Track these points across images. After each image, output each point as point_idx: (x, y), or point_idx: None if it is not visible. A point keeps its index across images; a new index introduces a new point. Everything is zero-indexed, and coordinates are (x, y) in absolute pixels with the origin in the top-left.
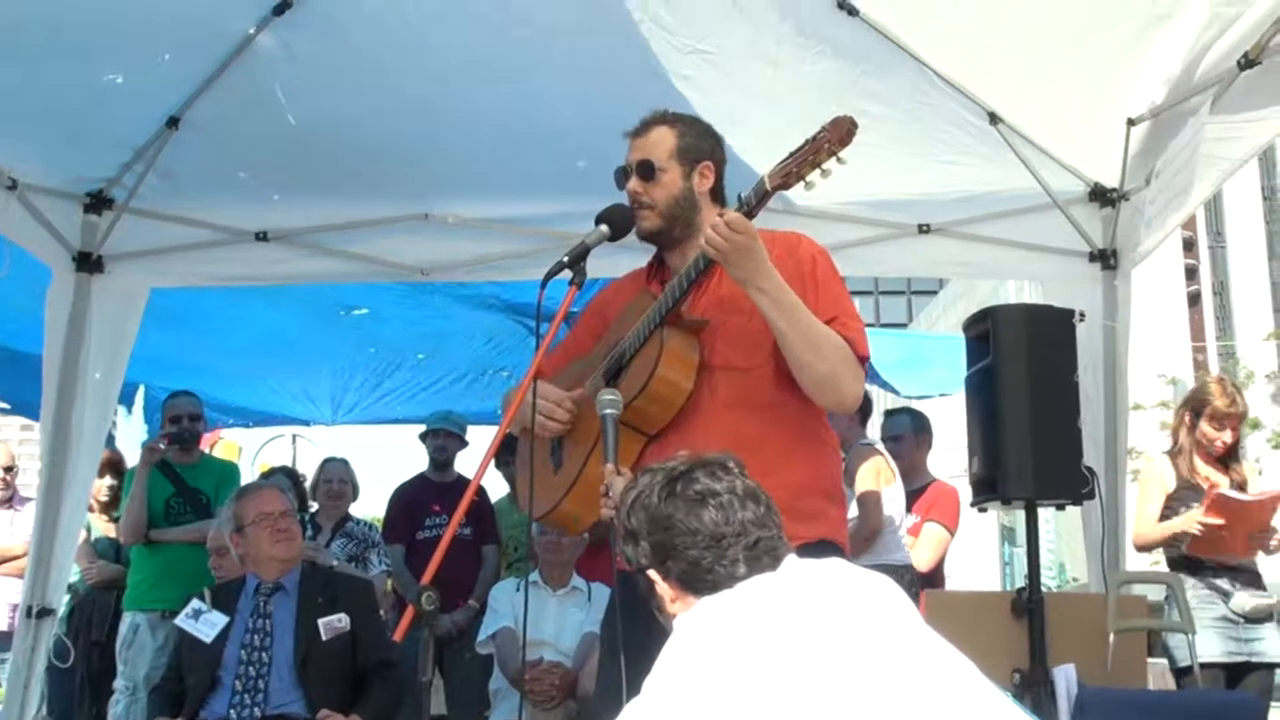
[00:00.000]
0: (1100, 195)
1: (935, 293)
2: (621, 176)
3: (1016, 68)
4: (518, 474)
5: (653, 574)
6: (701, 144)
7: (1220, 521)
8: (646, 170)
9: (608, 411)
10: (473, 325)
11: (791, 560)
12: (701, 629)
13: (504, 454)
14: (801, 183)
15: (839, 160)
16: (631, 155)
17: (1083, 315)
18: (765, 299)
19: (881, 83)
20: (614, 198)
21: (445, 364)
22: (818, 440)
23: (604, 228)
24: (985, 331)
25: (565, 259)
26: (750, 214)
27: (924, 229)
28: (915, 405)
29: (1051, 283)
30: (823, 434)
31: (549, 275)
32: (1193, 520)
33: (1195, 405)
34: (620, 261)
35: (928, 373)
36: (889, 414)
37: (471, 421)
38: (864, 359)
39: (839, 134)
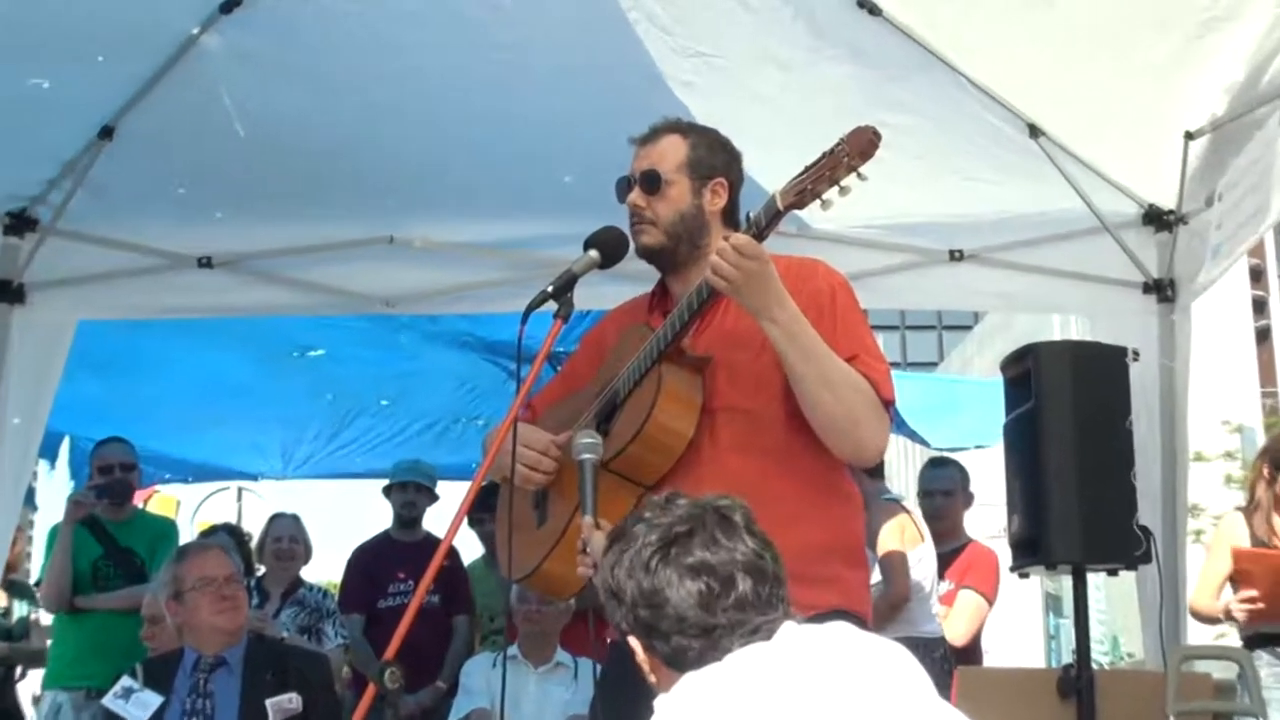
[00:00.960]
0: (1155, 218)
1: (969, 328)
2: (623, 187)
3: (1060, 74)
4: (497, 531)
5: (633, 642)
6: (715, 158)
7: (1254, 593)
8: (651, 181)
9: (585, 457)
10: (443, 366)
11: (788, 629)
12: (683, 714)
13: (479, 510)
14: (817, 201)
15: (859, 176)
16: (636, 164)
17: (1136, 354)
18: (779, 331)
19: (907, 90)
20: (606, 218)
21: (412, 411)
22: (835, 493)
23: (594, 253)
24: (1026, 372)
25: (549, 289)
26: (760, 236)
27: (956, 256)
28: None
29: (1101, 317)
30: (841, 486)
31: (530, 308)
32: (1234, 604)
33: (1276, 455)
34: (613, 292)
35: (960, 420)
36: (933, 465)
37: (442, 476)
38: (888, 403)
39: (859, 146)
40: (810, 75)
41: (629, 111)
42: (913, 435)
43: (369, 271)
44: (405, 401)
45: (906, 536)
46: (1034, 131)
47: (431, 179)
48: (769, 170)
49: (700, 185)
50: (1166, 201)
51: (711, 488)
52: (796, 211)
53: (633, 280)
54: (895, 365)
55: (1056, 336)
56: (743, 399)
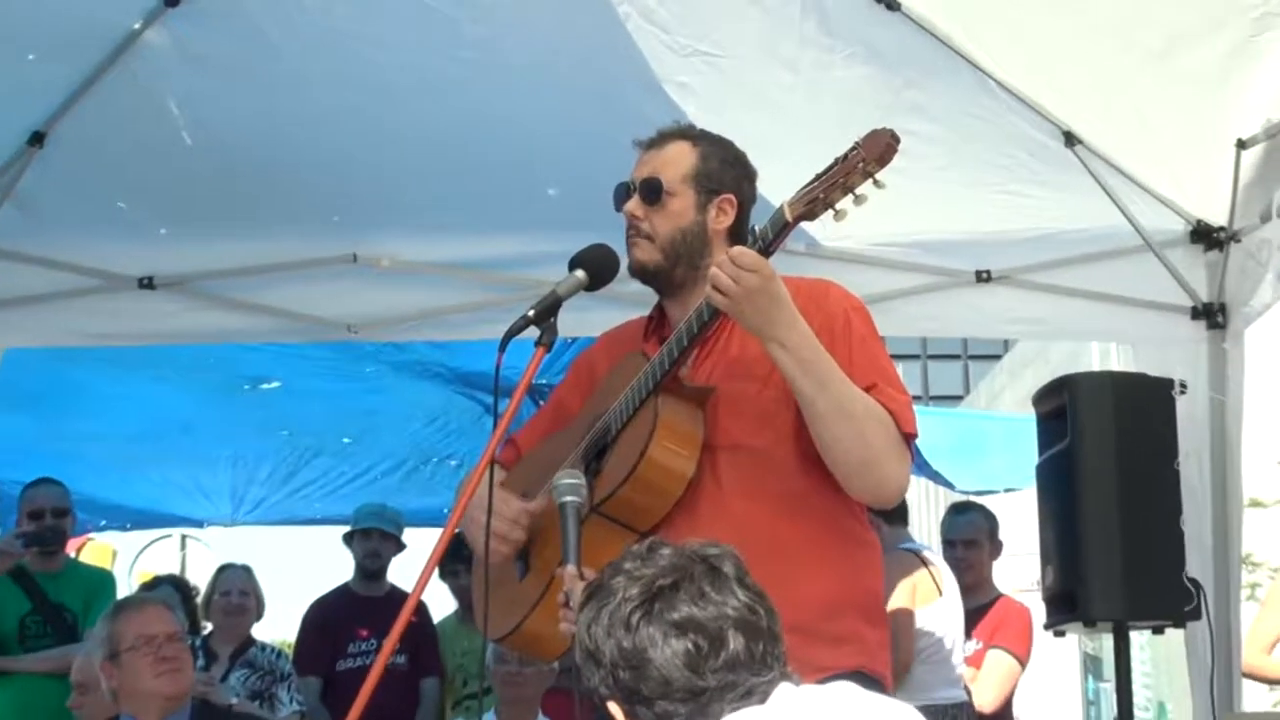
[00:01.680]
0: (1204, 235)
1: (998, 358)
2: (621, 194)
3: (1099, 77)
4: (473, 584)
5: (613, 707)
6: (726, 173)
7: None
8: (651, 191)
9: (567, 500)
10: (412, 400)
11: (785, 690)
12: None
13: (452, 561)
14: (830, 212)
15: (876, 184)
16: (638, 170)
17: (1184, 386)
18: (788, 357)
19: (929, 94)
20: (594, 235)
21: (377, 450)
22: (851, 540)
23: (580, 273)
24: (1061, 407)
25: (531, 313)
26: (767, 251)
27: (983, 277)
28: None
29: (1144, 345)
30: (858, 533)
31: (509, 334)
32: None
33: None
34: (602, 317)
35: (988, 461)
36: (956, 510)
37: (411, 522)
38: (910, 437)
39: (876, 150)
40: (821, 77)
41: (618, 117)
42: (935, 477)
43: (330, 294)
44: (370, 439)
45: (919, 594)
46: (1070, 139)
47: (400, 191)
48: (773, 183)
49: (706, 200)
50: (1217, 217)
51: (714, 534)
52: (806, 227)
53: (625, 303)
54: (916, 399)
55: (1095, 367)
56: (749, 435)
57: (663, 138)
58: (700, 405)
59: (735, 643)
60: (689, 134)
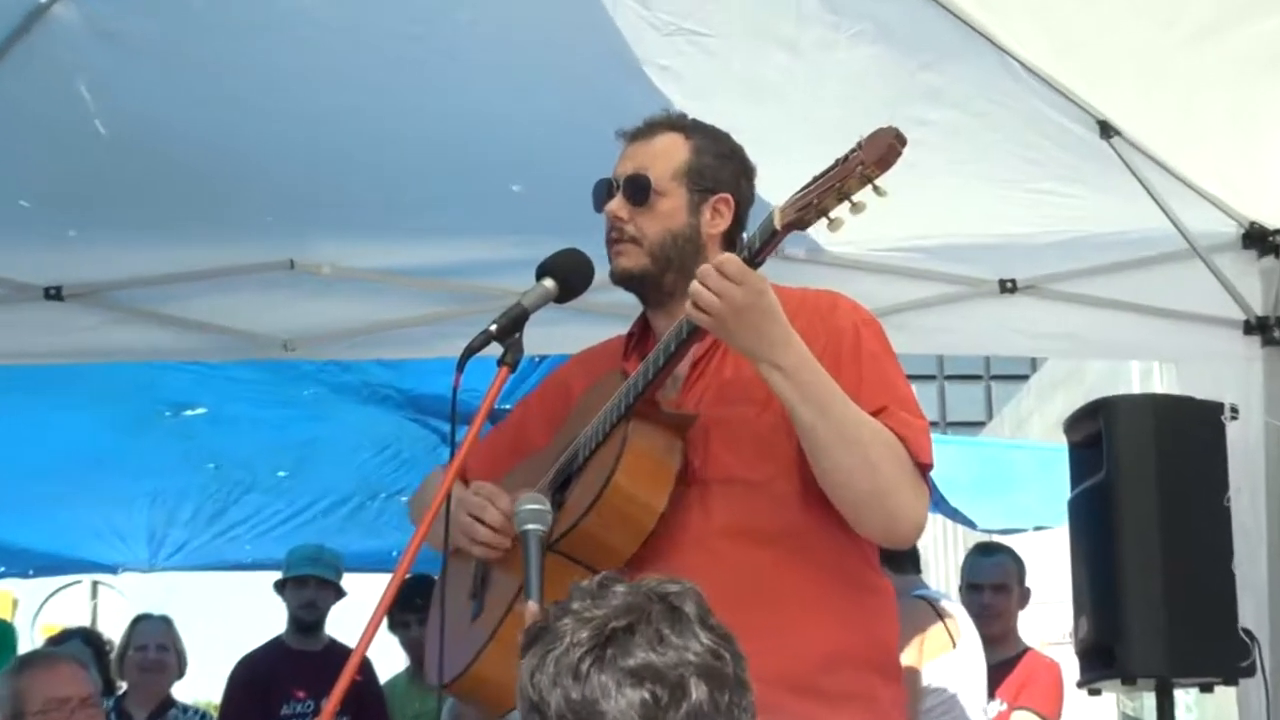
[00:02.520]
0: (1258, 239)
1: (1024, 378)
2: (603, 192)
3: (1138, 58)
4: (428, 626)
5: None
6: (723, 170)
7: None
8: (638, 189)
9: (530, 527)
10: (358, 428)
11: None
12: None
13: (402, 610)
14: (823, 219)
15: (876, 190)
16: (622, 165)
17: (1235, 411)
18: (784, 381)
19: (946, 78)
20: (564, 238)
21: (317, 485)
22: (861, 586)
23: (548, 282)
24: (1096, 434)
25: (493, 328)
26: (754, 261)
27: (1008, 286)
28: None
29: (1190, 364)
30: (868, 578)
31: (469, 352)
32: None
33: None
34: (573, 333)
35: (1014, 497)
36: (981, 552)
37: (354, 567)
38: (926, 468)
39: (877, 153)
40: (823, 59)
41: (592, 104)
42: (953, 515)
43: (263, 306)
44: (308, 473)
45: (928, 646)
46: (1106, 130)
47: (343, 189)
48: (767, 182)
49: (699, 200)
50: (1272, 218)
51: (701, 578)
52: (801, 231)
53: (600, 316)
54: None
55: (1135, 389)
56: (745, 468)
57: (651, 128)
58: (679, 434)
59: (698, 692)
60: (680, 124)
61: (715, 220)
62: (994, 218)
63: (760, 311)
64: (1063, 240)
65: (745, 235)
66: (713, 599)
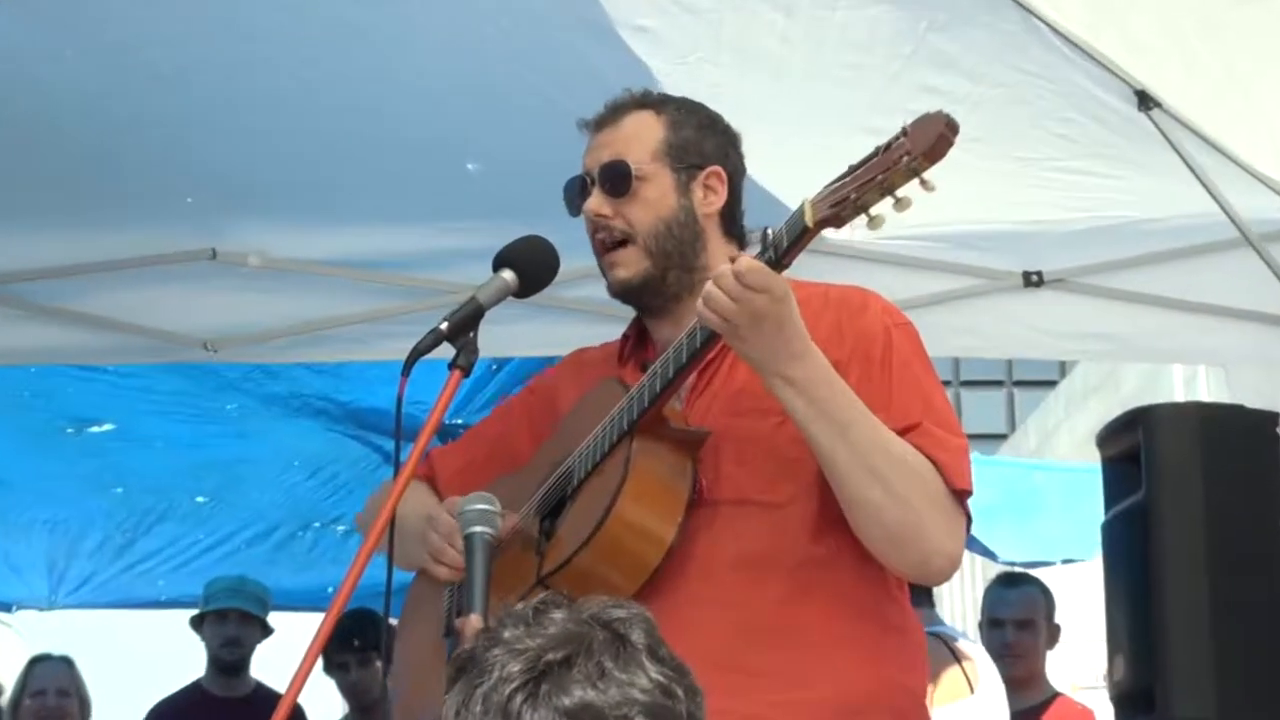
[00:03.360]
0: None
1: (1052, 385)
2: (575, 192)
3: (1182, 19)
4: (397, 663)
5: None
6: (706, 140)
7: None
8: (616, 178)
9: (476, 530)
10: (288, 446)
11: None
12: None
13: (339, 650)
14: (863, 216)
15: (924, 185)
16: (592, 156)
17: None
18: (797, 396)
19: (962, 42)
20: (524, 224)
21: (242, 512)
22: (886, 626)
23: (507, 274)
24: (1134, 448)
25: (443, 326)
26: (779, 262)
27: (1033, 280)
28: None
29: (1241, 367)
30: (894, 616)
31: (416, 354)
32: None
33: None
34: (536, 332)
35: (1041, 522)
36: (1003, 583)
37: (284, 604)
38: (963, 494)
39: (925, 142)
40: (822, 19)
41: (559, 72)
42: (970, 544)
43: (181, 301)
44: (232, 498)
45: (940, 690)
46: (1145, 101)
47: (273, 168)
48: (759, 160)
49: (688, 179)
50: None
51: (704, 615)
52: (833, 229)
53: (567, 313)
54: None
55: (1178, 397)
56: (760, 488)
57: (616, 111)
58: (690, 453)
59: None
60: (647, 101)
61: (710, 198)
62: (1017, 202)
63: (777, 322)
64: (1096, 227)
65: (769, 231)
66: (719, 638)
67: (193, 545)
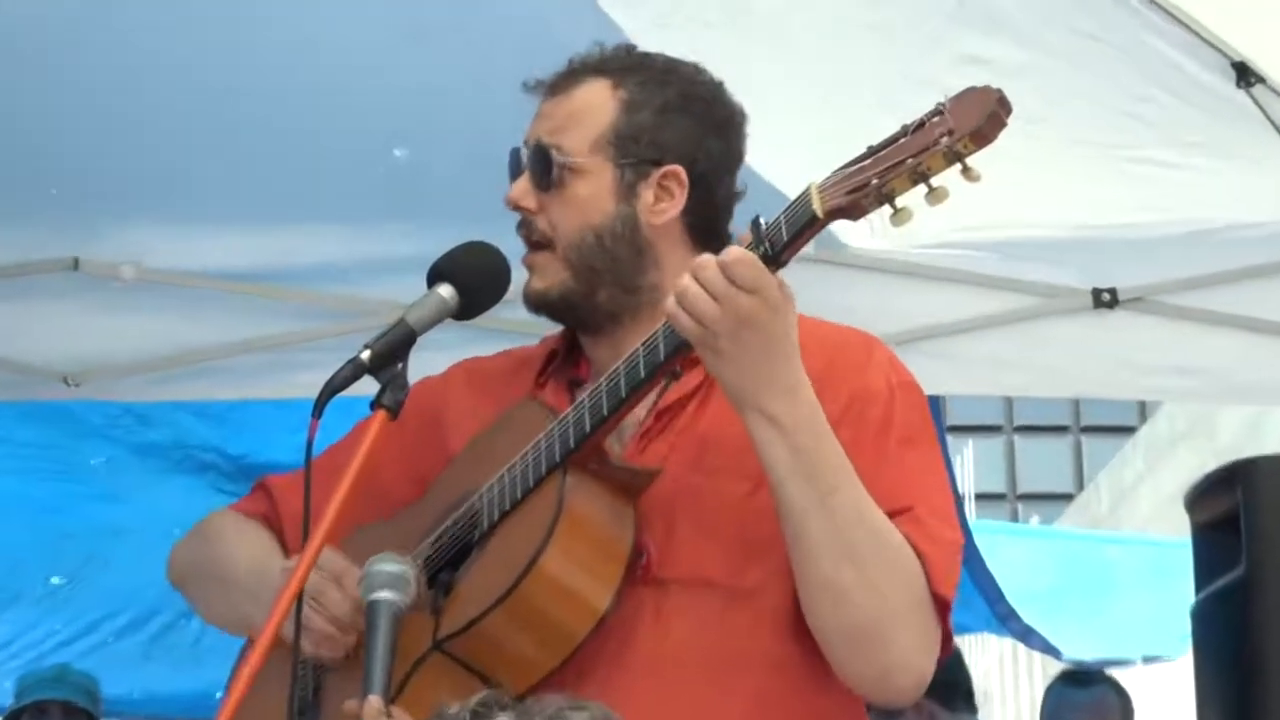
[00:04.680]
0: None
1: (1130, 431)
2: (511, 169)
3: None
4: None
5: None
6: (668, 127)
7: None
8: (541, 165)
9: (381, 596)
10: (167, 510)
11: None
12: None
13: None
14: (886, 207)
15: (966, 172)
16: (532, 129)
17: None
18: (776, 440)
19: (1013, 1)
20: (468, 227)
21: (109, 595)
22: None
23: (444, 290)
24: (1232, 512)
25: (364, 355)
26: (777, 258)
27: (1104, 299)
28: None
29: None
30: None
31: (329, 392)
32: None
33: None
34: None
35: (1116, 611)
36: (1072, 681)
37: (161, 712)
38: (944, 604)
39: (971, 120)
40: None
41: (513, 39)
42: (1027, 637)
43: (35, 323)
44: (95, 578)
45: None
46: (1245, 75)
47: (150, 159)
48: (761, 149)
49: (635, 178)
50: None
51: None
52: (845, 219)
53: (521, 339)
54: (995, 500)
55: None
56: (724, 568)
57: (570, 76)
58: (631, 497)
59: None
60: (608, 64)
61: (662, 204)
62: (1083, 200)
63: (767, 336)
64: (1183, 233)
65: (761, 220)
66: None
67: (48, 637)
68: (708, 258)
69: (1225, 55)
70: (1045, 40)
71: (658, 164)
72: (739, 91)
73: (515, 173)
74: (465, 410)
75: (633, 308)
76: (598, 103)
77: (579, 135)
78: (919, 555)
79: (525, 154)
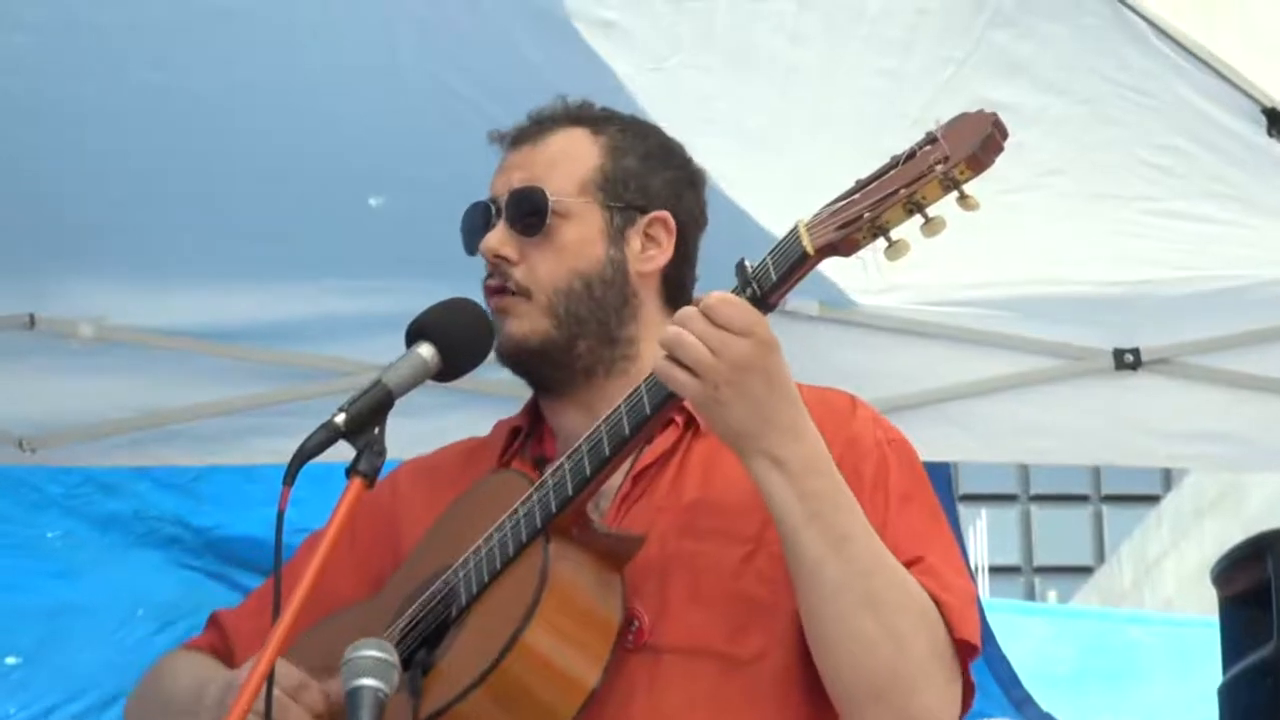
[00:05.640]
0: None
1: (1154, 501)
2: (477, 223)
3: None
4: None
5: None
6: (654, 174)
7: None
8: (527, 210)
9: (363, 684)
10: (128, 588)
11: None
12: None
13: None
14: (880, 240)
15: (963, 200)
16: (501, 179)
17: None
18: (787, 487)
19: (1035, 40)
20: (449, 282)
21: (67, 677)
22: None
23: (424, 350)
24: (1263, 585)
25: (338, 419)
26: (764, 301)
27: (1127, 360)
28: None
29: None
30: None
31: (301, 458)
32: None
33: None
34: (464, 424)
35: (1141, 692)
36: None
37: None
38: (971, 650)
39: (965, 145)
40: (849, 10)
41: (495, 80)
42: None
43: None
44: (52, 659)
45: None
46: (1276, 122)
47: (111, 208)
48: (765, 199)
49: (624, 223)
50: None
51: None
52: (829, 270)
53: (504, 401)
54: (1010, 574)
55: None
56: (721, 637)
57: (541, 125)
58: (618, 565)
59: None
60: (584, 115)
61: (649, 251)
62: (1104, 256)
63: (767, 377)
64: (1210, 290)
65: (747, 263)
66: None
67: None
68: (690, 309)
69: (1255, 101)
70: (1066, 85)
71: (644, 211)
72: (740, 139)
73: (484, 224)
74: (419, 505)
75: (608, 361)
76: (579, 148)
77: (564, 178)
78: (937, 603)
79: (500, 203)
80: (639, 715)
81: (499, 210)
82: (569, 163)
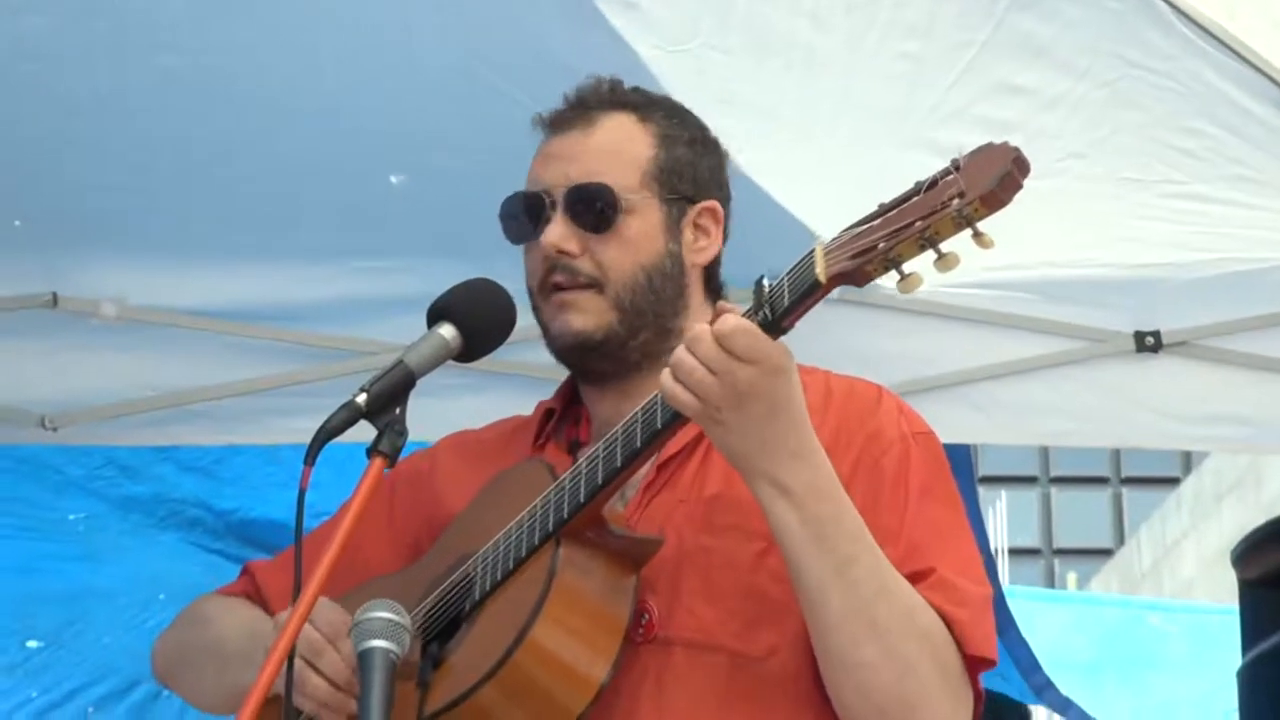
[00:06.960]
0: None
1: (1175, 482)
2: (522, 214)
3: None
4: None
5: None
6: (701, 162)
7: None
8: (596, 206)
9: (374, 644)
10: (150, 571)
11: None
12: None
13: None
14: (893, 271)
15: (978, 238)
16: (554, 169)
17: None
18: (790, 512)
19: (1055, 25)
20: (471, 262)
21: (88, 661)
22: None
23: (446, 330)
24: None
25: (360, 399)
26: (778, 325)
27: (1148, 342)
28: None
29: None
30: None
31: (322, 437)
32: None
33: None
34: (485, 406)
35: (1161, 680)
36: None
37: None
38: (983, 664)
39: (983, 182)
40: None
41: (515, 59)
42: (1066, 709)
43: (11, 363)
44: (74, 643)
45: None
46: None
47: (135, 189)
48: (786, 183)
49: (679, 215)
50: None
51: None
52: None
53: (528, 383)
54: (1030, 556)
55: None
56: (732, 632)
57: (585, 108)
58: (631, 569)
59: None
60: (626, 100)
61: (701, 242)
62: (1125, 238)
63: (772, 403)
64: (1231, 273)
65: (765, 283)
66: None
67: (22, 706)
68: (703, 328)
69: (1278, 84)
70: (1087, 68)
71: (694, 201)
72: (762, 121)
73: (538, 216)
74: (459, 479)
75: (657, 355)
76: (631, 137)
77: (624, 171)
78: (948, 622)
79: (555, 196)
80: (647, 708)
81: (554, 203)
82: (626, 154)
